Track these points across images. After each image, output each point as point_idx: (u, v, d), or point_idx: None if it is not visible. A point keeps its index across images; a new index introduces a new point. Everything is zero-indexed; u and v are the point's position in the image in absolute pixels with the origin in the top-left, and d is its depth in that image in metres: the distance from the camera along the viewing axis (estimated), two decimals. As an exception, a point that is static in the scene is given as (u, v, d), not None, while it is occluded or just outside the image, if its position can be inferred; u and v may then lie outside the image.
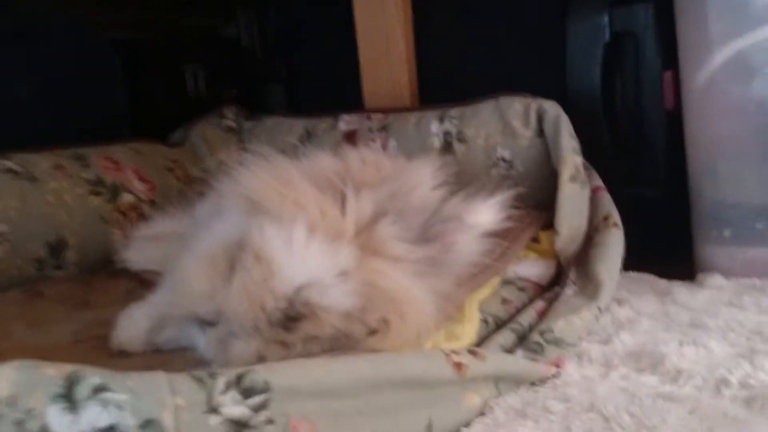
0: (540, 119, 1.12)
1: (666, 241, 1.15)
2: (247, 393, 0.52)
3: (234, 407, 0.51)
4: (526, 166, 1.14)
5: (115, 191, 1.20)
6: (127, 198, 1.21)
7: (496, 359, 0.71)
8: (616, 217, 1.04)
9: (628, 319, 0.90)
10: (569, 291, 0.95)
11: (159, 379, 0.49)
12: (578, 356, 0.80)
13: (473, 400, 0.67)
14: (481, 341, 0.80)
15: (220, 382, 0.51)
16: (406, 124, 1.26)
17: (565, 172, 1.00)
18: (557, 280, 0.99)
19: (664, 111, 1.18)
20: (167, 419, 0.48)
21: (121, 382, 0.48)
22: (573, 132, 1.06)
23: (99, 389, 0.47)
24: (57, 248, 1.09)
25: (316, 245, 0.65)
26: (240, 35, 1.81)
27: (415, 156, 0.91)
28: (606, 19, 1.19)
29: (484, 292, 0.89)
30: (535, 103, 1.13)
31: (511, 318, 0.87)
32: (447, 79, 1.39)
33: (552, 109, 1.10)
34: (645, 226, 1.08)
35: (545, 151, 1.11)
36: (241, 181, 0.75)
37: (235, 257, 0.67)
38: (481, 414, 0.67)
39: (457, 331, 0.78)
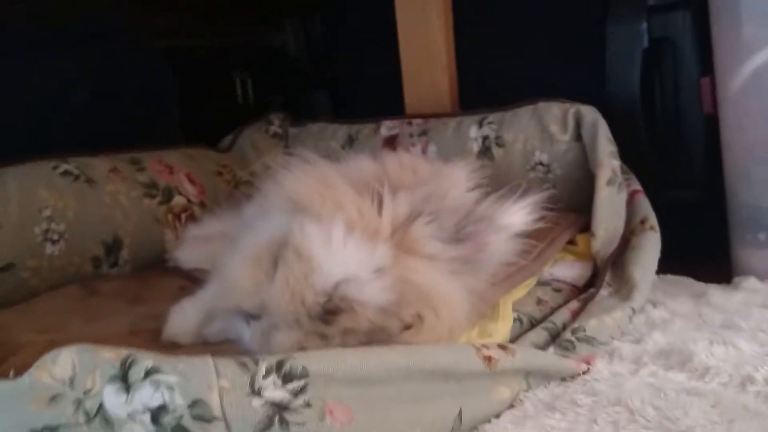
0: (578, 124, 1.13)
1: (704, 245, 1.14)
2: (286, 378, 0.55)
3: (275, 391, 0.54)
4: (564, 170, 1.15)
5: (168, 194, 1.23)
6: (179, 200, 1.24)
7: (526, 354, 0.72)
8: (653, 220, 1.05)
9: (662, 320, 0.90)
10: (604, 292, 0.95)
11: (206, 362, 0.53)
12: (609, 354, 0.81)
13: (503, 393, 0.69)
14: (515, 340, 0.81)
15: (262, 367, 0.54)
16: (445, 129, 1.27)
17: (602, 176, 1.01)
18: (593, 282, 0.99)
19: (704, 116, 1.18)
20: (213, 400, 0.51)
21: (172, 365, 0.51)
22: (611, 136, 1.07)
23: (151, 371, 0.51)
24: (113, 247, 1.12)
25: (354, 243, 0.68)
26: (287, 44, 1.83)
27: (452, 159, 0.93)
28: (645, 25, 1.20)
29: (520, 292, 0.90)
30: (573, 108, 1.14)
31: (545, 318, 0.88)
32: (487, 84, 1.40)
33: (590, 113, 1.11)
34: (684, 230, 1.08)
35: (583, 155, 1.12)
36: (284, 183, 0.78)
37: (278, 255, 0.69)
38: (511, 406, 0.69)
39: (491, 329, 0.80)
